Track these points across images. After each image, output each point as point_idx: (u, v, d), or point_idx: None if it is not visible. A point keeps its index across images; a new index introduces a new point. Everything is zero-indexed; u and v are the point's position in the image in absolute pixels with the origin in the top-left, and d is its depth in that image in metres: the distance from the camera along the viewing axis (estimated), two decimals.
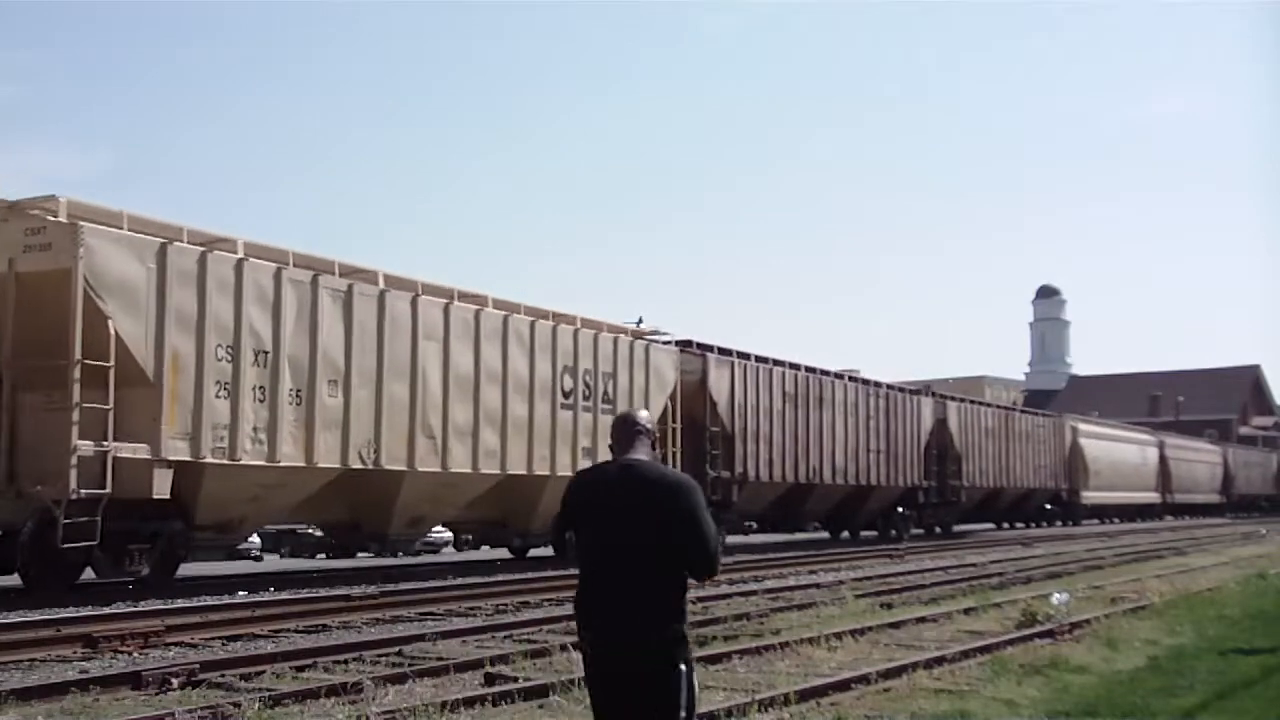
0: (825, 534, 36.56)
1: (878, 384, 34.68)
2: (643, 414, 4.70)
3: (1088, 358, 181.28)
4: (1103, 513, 54.87)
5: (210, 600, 14.93)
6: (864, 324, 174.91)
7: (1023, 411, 47.32)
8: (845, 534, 36.20)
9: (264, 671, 10.14)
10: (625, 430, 4.60)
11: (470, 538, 32.36)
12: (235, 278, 16.20)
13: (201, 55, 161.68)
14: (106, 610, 13.23)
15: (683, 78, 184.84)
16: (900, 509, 36.32)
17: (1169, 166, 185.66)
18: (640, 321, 26.12)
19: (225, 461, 15.94)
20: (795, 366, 30.47)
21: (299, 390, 16.97)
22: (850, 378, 33.09)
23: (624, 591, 4.37)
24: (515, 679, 9.36)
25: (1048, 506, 48.75)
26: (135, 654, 11.33)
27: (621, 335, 24.06)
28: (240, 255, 16.52)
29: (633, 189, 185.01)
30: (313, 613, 14.23)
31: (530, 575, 19.27)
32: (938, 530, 39.59)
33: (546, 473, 21.52)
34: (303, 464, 17.08)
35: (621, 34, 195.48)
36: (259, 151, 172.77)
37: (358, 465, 17.86)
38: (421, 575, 19.73)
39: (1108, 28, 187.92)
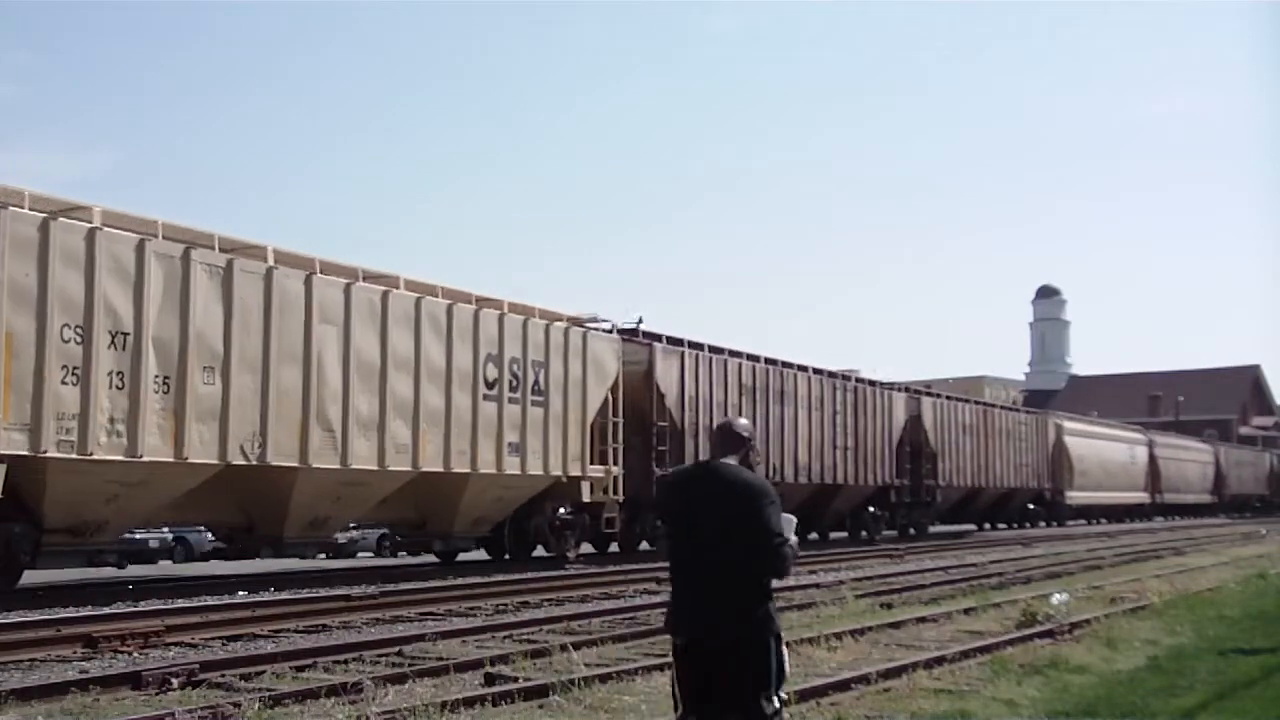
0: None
1: (845, 377, 32.89)
2: (740, 422, 5.27)
3: (1088, 358, 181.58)
4: (1089, 513, 53.36)
5: (210, 600, 14.93)
6: (864, 324, 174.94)
7: (1003, 408, 44.90)
8: (814, 535, 34.28)
9: (264, 671, 10.14)
10: (721, 436, 5.17)
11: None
12: (87, 249, 14.41)
13: (202, 55, 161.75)
14: (106, 610, 13.25)
15: (683, 78, 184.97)
16: (871, 509, 34.68)
17: (1169, 166, 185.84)
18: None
19: (73, 456, 14.19)
20: (754, 358, 28.79)
21: (166, 377, 15.18)
22: (815, 370, 31.17)
23: (704, 580, 4.87)
24: (515, 679, 9.37)
25: (1030, 507, 46.87)
26: (135, 654, 11.34)
27: (555, 322, 22.24)
28: (95, 224, 14.77)
29: (632, 189, 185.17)
30: (313, 613, 14.23)
31: (530, 575, 19.27)
32: (912, 531, 37.50)
33: (467, 470, 19.79)
34: (171, 459, 15.25)
35: (622, 34, 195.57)
36: (259, 151, 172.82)
37: (240, 461, 16.08)
38: (421, 575, 19.73)
39: (1108, 28, 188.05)
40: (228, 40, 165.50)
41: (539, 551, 23.47)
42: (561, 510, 23.13)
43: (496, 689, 8.94)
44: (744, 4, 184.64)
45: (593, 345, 23.13)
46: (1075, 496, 49.22)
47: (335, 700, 8.70)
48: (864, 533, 34.51)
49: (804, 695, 8.67)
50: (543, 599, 16.80)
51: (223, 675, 9.85)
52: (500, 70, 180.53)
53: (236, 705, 8.26)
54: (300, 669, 10.35)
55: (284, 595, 15.86)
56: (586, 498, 22.75)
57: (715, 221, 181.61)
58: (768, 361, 29.24)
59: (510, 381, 20.86)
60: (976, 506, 42.74)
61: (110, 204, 15.64)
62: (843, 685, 9.28)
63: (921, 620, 13.95)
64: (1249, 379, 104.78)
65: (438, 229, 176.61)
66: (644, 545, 26.11)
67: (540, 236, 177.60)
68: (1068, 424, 50.00)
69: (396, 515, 21.85)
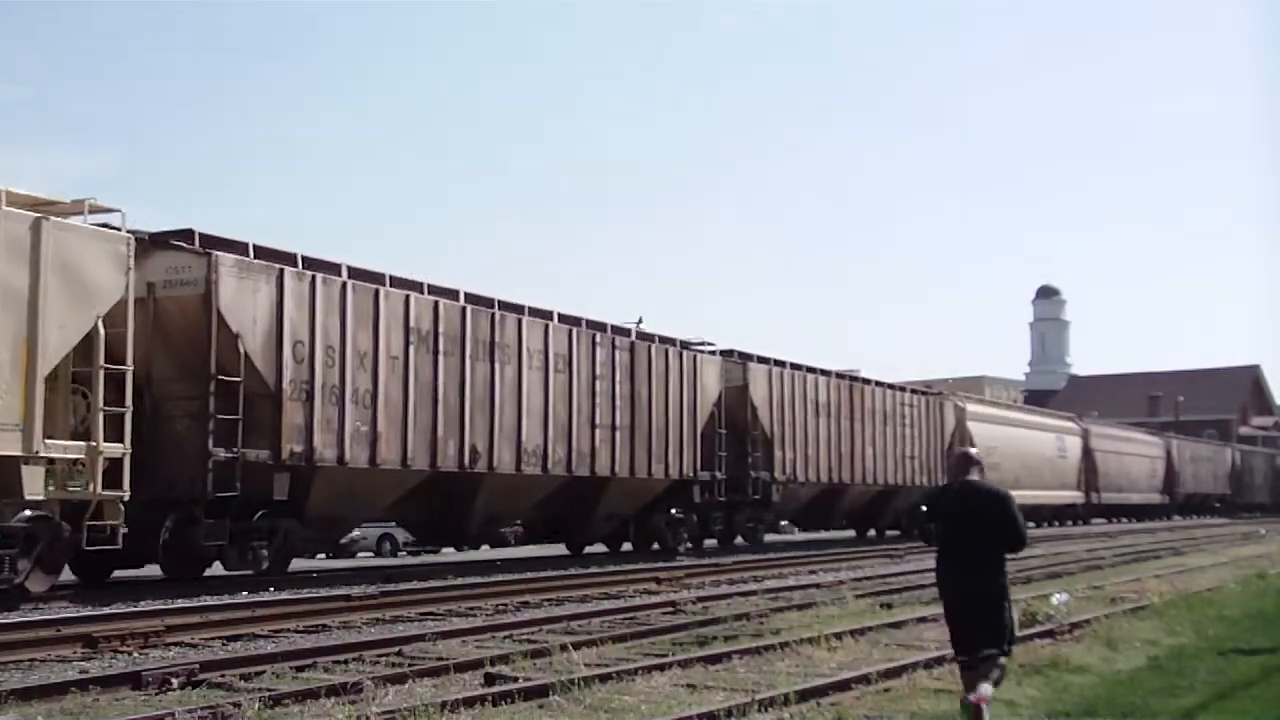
0: (557, 549, 26.77)
1: (621, 331, 24.57)
2: (973, 451, 8.30)
3: (1088, 358, 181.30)
4: None
5: (210, 600, 14.92)
6: (864, 324, 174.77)
7: (879, 384, 34.64)
8: (600, 547, 26.95)
9: (264, 671, 10.15)
10: (963, 460, 8.10)
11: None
12: None
13: (206, 56, 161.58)
14: (106, 610, 13.21)
15: (685, 77, 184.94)
16: (673, 511, 26.22)
17: (1169, 166, 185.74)
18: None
19: None
20: (449, 293, 20.39)
21: None
22: (561, 317, 22.86)
23: (965, 559, 7.72)
24: (515, 679, 9.37)
25: (924, 509, 40.00)
26: (135, 654, 11.35)
27: None
28: None
29: (633, 189, 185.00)
30: (313, 613, 14.22)
31: (530, 575, 19.27)
32: (740, 541, 29.55)
33: None
34: None
35: (627, 32, 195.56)
36: (261, 151, 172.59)
37: None
38: (421, 575, 19.72)
39: (1108, 27, 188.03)
40: (229, 40, 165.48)
41: None
42: (26, 514, 14.32)
43: (496, 689, 8.94)
44: (749, 5, 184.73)
45: (51, 243, 14.35)
46: None
47: (335, 700, 8.70)
48: (658, 542, 26.09)
49: (804, 695, 8.70)
50: (543, 599, 16.80)
51: (223, 675, 9.85)
52: (502, 70, 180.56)
53: (236, 705, 8.27)
54: (300, 669, 10.36)
55: (284, 595, 15.84)
56: (37, 494, 14.16)
57: (714, 222, 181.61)
58: (471, 299, 20.86)
59: None
60: (840, 508, 34.27)
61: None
62: (843, 685, 9.30)
63: (921, 620, 13.97)
64: (1249, 379, 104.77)
65: (442, 230, 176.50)
66: (219, 569, 17.65)
67: (538, 236, 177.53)
68: (972, 407, 41.70)
69: None
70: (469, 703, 8.47)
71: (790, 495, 30.06)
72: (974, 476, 7.88)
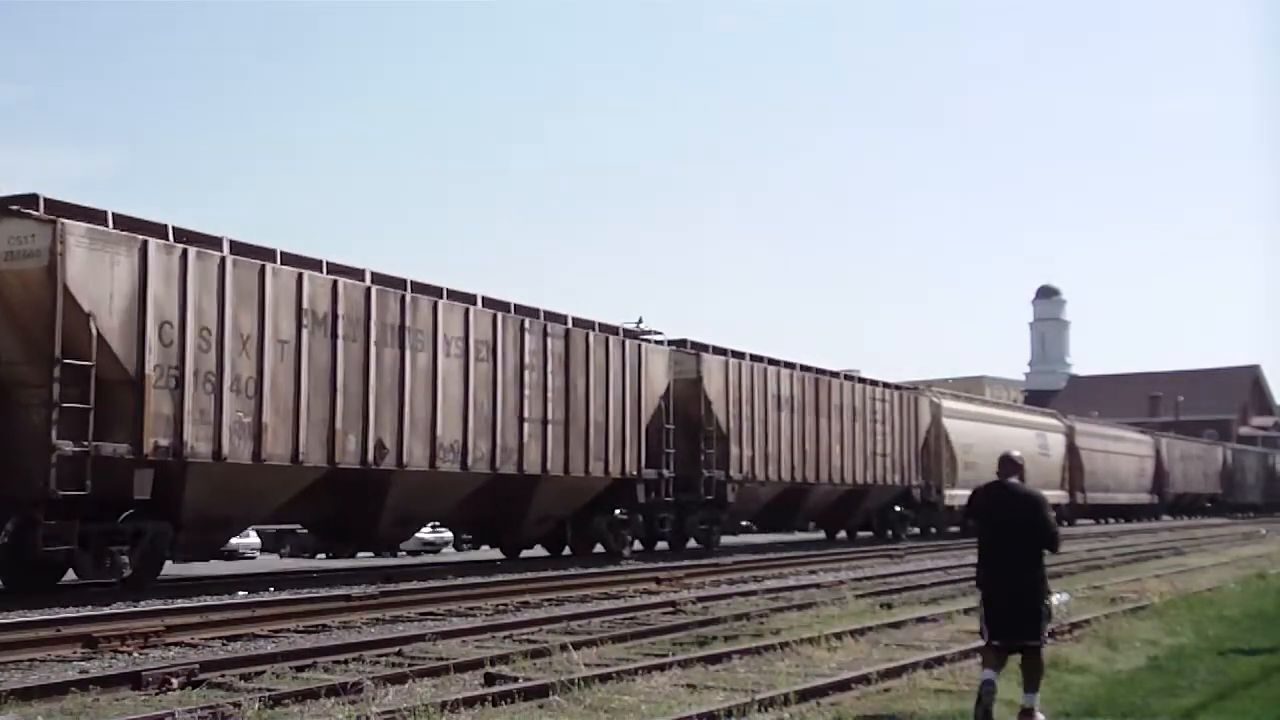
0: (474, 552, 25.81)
1: (555, 316, 22.64)
2: (1015, 454, 8.48)
3: (1088, 358, 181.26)
4: None
5: (210, 600, 14.93)
6: (864, 324, 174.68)
7: (848, 377, 33.01)
8: (546, 552, 25.58)
9: (264, 671, 10.16)
10: (1006, 464, 8.36)
11: (471, 537, 31.73)
12: None
13: (206, 56, 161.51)
14: (106, 610, 13.22)
15: (685, 77, 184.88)
16: (618, 512, 24.76)
17: (1170, 166, 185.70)
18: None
19: None
20: (352, 272, 18.59)
21: None
22: (486, 301, 21.10)
23: (1005, 557, 8.13)
24: (515, 679, 9.38)
25: (897, 509, 35.90)
26: (135, 654, 11.35)
27: None
28: None
29: (633, 189, 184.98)
30: (313, 613, 14.23)
31: (530, 575, 19.28)
32: (692, 544, 27.70)
33: None
34: None
35: (627, 32, 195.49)
36: (261, 151, 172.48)
37: None
38: (421, 575, 19.73)
39: (1109, 27, 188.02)
40: (232, 39, 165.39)
41: None
42: None
43: (496, 689, 8.94)
44: (750, 5, 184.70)
45: None
46: (959, 496, 36.32)
47: (335, 700, 8.70)
48: (601, 545, 24.76)
49: (804, 695, 8.70)
50: (543, 599, 16.81)
51: (223, 675, 9.86)
52: (504, 70, 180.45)
53: (236, 705, 8.27)
54: (300, 669, 10.37)
55: (284, 595, 15.85)
56: None
57: (715, 221, 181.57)
58: (378, 279, 19.00)
59: None
60: (805, 508, 32.40)
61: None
62: (843, 685, 9.30)
63: (921, 620, 13.96)
64: (1249, 379, 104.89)
65: (442, 230, 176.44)
66: None
67: (540, 237, 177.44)
68: (948, 404, 39.88)
69: None
70: (469, 703, 8.47)
71: (748, 495, 28.57)
72: (1013, 479, 8.26)
